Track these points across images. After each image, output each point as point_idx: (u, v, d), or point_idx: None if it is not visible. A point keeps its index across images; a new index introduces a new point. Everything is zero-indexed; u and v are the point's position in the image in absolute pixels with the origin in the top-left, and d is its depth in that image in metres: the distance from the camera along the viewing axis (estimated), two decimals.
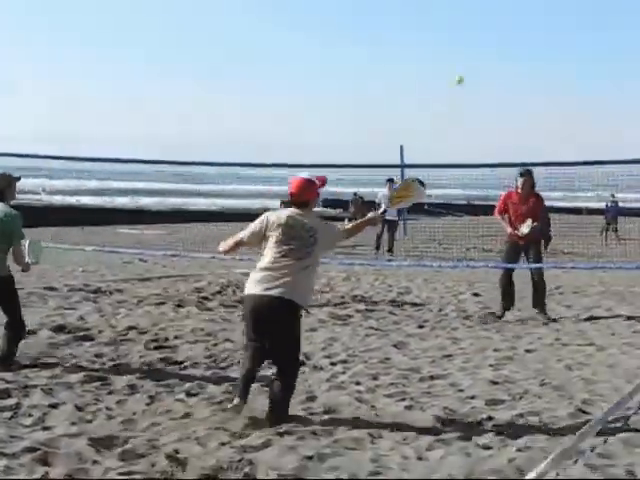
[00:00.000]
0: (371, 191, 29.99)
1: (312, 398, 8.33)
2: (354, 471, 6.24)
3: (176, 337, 11.20)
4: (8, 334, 9.43)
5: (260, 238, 7.70)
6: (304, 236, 7.54)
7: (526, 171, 13.84)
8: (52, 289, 15.11)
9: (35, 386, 8.42)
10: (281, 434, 7.03)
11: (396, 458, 6.56)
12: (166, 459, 6.38)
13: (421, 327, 12.66)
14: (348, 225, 8.52)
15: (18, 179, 9.70)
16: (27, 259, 9.48)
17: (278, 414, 7.44)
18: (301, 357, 10.09)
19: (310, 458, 6.45)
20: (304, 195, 7.75)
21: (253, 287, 7.54)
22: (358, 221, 8.21)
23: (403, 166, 24.37)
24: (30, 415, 7.50)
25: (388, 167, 23.71)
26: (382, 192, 24.09)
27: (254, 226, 7.76)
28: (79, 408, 7.77)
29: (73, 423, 7.30)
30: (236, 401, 7.40)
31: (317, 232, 7.60)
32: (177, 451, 6.57)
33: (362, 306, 14.41)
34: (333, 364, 9.97)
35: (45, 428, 7.16)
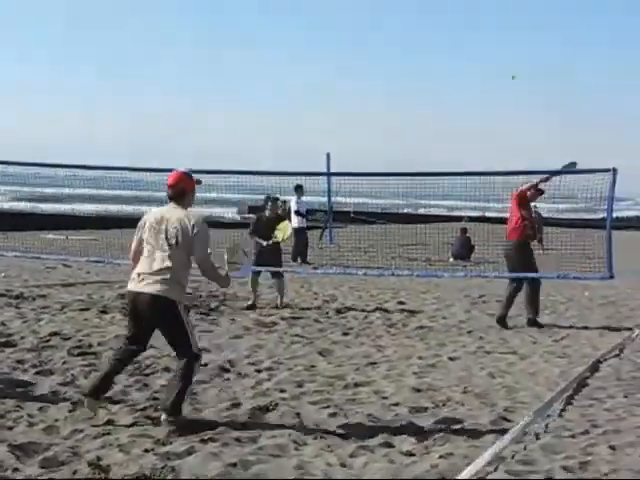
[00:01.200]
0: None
1: (236, 405, 8.33)
2: (278, 478, 6.26)
3: (100, 344, 11.09)
4: None
5: (141, 238, 7.82)
6: (170, 228, 7.62)
7: None
8: None
9: None
10: (205, 441, 7.02)
11: (320, 465, 6.59)
12: (88, 466, 6.33)
13: (346, 334, 12.71)
14: (222, 270, 8.16)
15: None
16: None
17: (171, 405, 7.53)
18: (225, 364, 10.13)
19: (234, 465, 6.46)
20: (180, 185, 7.86)
21: (131, 284, 7.76)
22: (224, 273, 8.06)
23: (329, 174, 24.45)
24: None
25: (315, 175, 23.72)
26: (293, 199, 24.01)
27: (136, 231, 7.91)
28: (0, 415, 7.66)
29: None
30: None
31: (184, 228, 7.59)
32: (99, 458, 6.52)
33: (287, 313, 14.42)
34: (258, 371, 9.97)
35: None
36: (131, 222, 7.98)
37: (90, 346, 10.94)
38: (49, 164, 19.37)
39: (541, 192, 14.29)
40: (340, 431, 7.56)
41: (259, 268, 15.16)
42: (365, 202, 40.34)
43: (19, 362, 9.91)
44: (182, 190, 7.86)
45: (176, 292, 7.62)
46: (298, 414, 8.06)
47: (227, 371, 9.90)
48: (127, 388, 8.85)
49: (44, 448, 6.75)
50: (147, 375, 9.52)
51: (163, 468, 6.30)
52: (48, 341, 11.15)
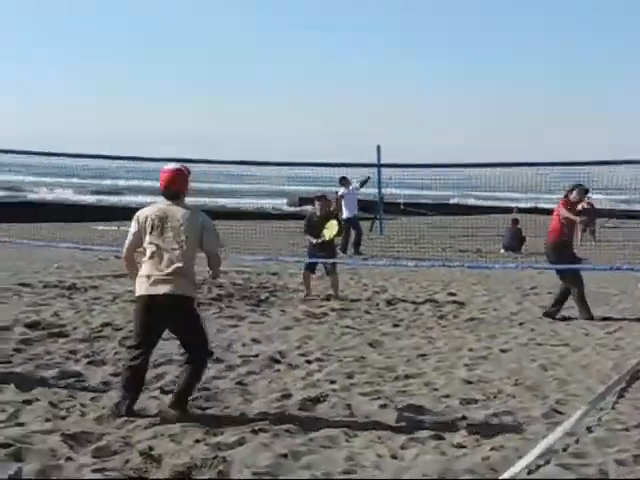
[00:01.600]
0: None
1: (287, 396, 8.34)
2: (328, 469, 6.26)
3: None
4: None
5: (140, 236, 7.58)
6: (176, 226, 7.45)
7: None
8: (27, 285, 15.02)
9: (8, 382, 8.37)
10: (255, 431, 7.03)
11: (370, 456, 6.58)
12: (140, 456, 6.37)
13: (396, 326, 12.68)
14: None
15: None
16: None
17: (179, 400, 7.56)
18: (276, 355, 10.15)
19: (284, 456, 6.46)
20: (175, 186, 7.63)
21: (141, 288, 7.53)
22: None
23: (379, 165, 24.44)
24: (3, 411, 7.45)
25: (365, 166, 23.75)
26: (342, 190, 23.80)
27: (131, 228, 7.67)
28: (53, 404, 7.73)
29: (47, 419, 7.27)
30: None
31: (192, 223, 7.48)
32: (151, 448, 6.56)
33: (337, 305, 14.41)
34: (308, 362, 9.98)
35: (19, 424, 7.11)
36: None
37: None
38: (108, 156, 19.57)
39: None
40: (390, 423, 7.54)
41: (313, 260, 15.17)
42: (416, 194, 40.24)
43: (71, 352, 10.01)
44: (180, 189, 7.66)
45: (190, 288, 7.55)
46: (348, 405, 8.05)
47: (277, 362, 9.91)
48: (177, 378, 8.89)
49: (96, 438, 6.81)
50: None
51: (214, 458, 6.32)
52: (100, 331, 11.25)
